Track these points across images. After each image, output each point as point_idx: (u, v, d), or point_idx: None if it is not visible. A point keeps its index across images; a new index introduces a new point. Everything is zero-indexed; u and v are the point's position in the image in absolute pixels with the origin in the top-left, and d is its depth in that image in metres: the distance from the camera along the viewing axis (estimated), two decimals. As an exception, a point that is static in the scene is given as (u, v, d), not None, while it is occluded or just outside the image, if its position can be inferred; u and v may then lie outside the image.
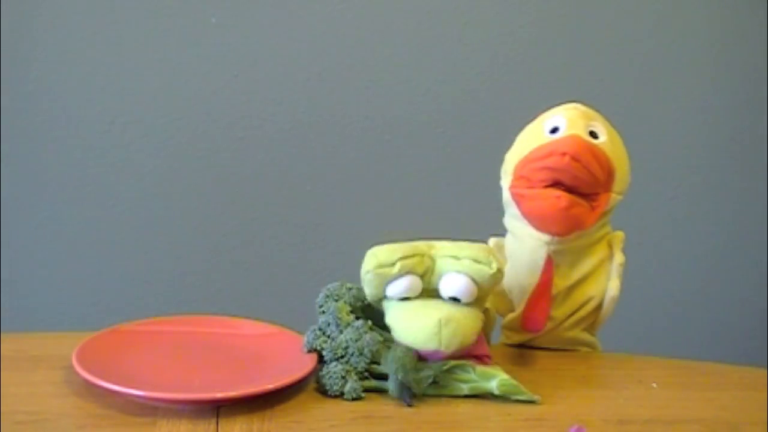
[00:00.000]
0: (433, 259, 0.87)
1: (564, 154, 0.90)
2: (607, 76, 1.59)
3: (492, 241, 1.02)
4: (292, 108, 1.55)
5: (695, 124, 1.63)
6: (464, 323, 0.85)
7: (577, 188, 0.91)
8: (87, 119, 1.53)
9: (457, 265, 0.86)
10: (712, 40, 1.60)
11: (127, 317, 0.96)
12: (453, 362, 0.86)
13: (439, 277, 0.87)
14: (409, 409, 0.83)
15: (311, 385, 0.86)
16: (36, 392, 0.83)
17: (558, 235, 0.94)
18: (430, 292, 0.88)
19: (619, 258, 0.98)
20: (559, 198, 0.90)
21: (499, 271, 0.86)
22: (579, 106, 0.98)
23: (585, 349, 1.01)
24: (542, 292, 0.95)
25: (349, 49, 1.55)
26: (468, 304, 0.87)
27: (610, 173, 0.94)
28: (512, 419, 0.82)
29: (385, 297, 0.88)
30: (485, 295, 0.89)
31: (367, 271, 0.87)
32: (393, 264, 0.86)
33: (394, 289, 0.86)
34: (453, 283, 0.86)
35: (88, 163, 1.54)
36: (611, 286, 0.97)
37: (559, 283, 0.97)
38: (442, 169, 1.58)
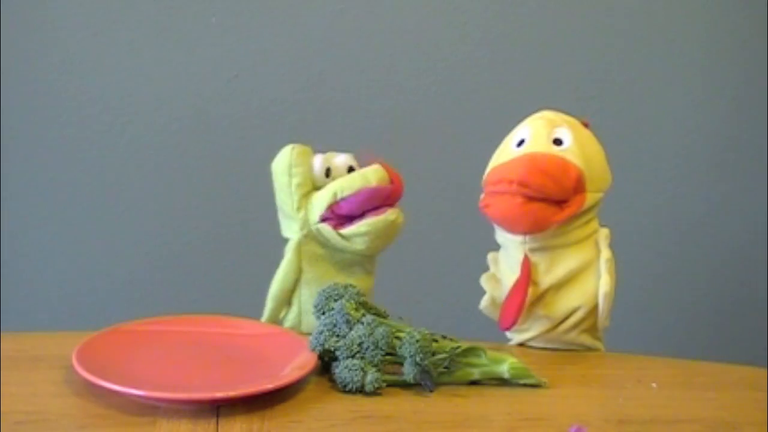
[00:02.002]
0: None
1: (511, 182, 0.93)
2: (608, 75, 1.60)
3: (490, 255, 1.04)
4: (292, 108, 1.55)
5: (695, 123, 1.62)
6: None
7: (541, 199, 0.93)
8: (87, 119, 1.53)
9: (335, 153, 1.03)
10: (712, 39, 1.60)
11: (127, 317, 0.96)
12: (466, 345, 0.88)
13: (336, 165, 1.01)
14: (409, 409, 0.83)
15: (311, 385, 0.87)
16: (36, 392, 0.83)
17: (524, 233, 0.96)
18: None
19: (606, 254, 0.97)
20: (514, 196, 0.92)
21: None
22: (547, 113, 1.00)
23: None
24: (516, 290, 0.97)
25: (349, 49, 1.55)
26: None
27: (576, 178, 0.94)
28: (512, 419, 0.82)
29: (312, 181, 0.99)
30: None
31: (295, 151, 1.01)
32: (307, 147, 1.03)
33: (319, 162, 1.00)
34: (345, 159, 1.02)
35: (89, 163, 1.54)
36: (602, 282, 0.97)
37: (543, 281, 0.97)
38: (442, 170, 1.58)
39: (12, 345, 0.92)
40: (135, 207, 1.56)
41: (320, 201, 0.98)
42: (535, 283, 0.97)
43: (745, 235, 1.66)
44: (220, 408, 0.81)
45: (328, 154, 1.02)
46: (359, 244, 0.97)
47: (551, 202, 0.94)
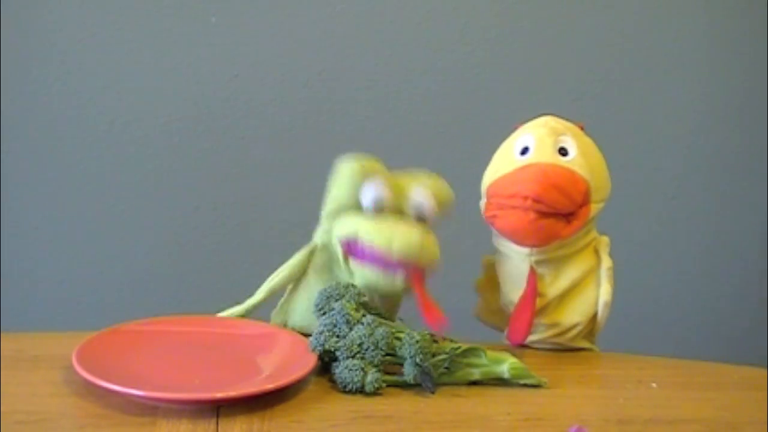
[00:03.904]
0: (398, 186, 0.95)
1: (525, 197, 0.91)
2: (608, 76, 1.60)
3: (484, 259, 1.03)
4: (292, 108, 1.55)
5: (695, 124, 1.63)
6: (433, 244, 0.94)
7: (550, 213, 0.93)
8: (87, 119, 1.53)
9: (420, 185, 0.96)
10: (712, 39, 1.60)
11: (127, 317, 0.96)
12: (465, 345, 0.88)
13: (406, 197, 0.94)
14: (409, 409, 0.83)
15: (311, 385, 0.87)
16: (36, 392, 0.83)
17: (534, 246, 0.95)
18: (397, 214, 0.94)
19: (606, 262, 0.97)
20: (526, 211, 0.91)
21: (450, 194, 0.97)
22: (549, 120, 0.98)
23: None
24: (525, 304, 0.96)
25: (349, 49, 1.55)
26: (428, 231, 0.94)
27: (584, 191, 0.94)
28: (512, 419, 0.82)
29: (356, 202, 0.93)
30: (436, 222, 0.96)
31: (350, 168, 0.94)
32: (369, 164, 0.94)
33: (370, 190, 0.93)
34: (420, 200, 0.94)
35: (88, 163, 1.54)
36: (603, 291, 0.96)
37: (548, 293, 0.97)
38: (443, 169, 1.58)
39: (12, 345, 0.92)
40: (135, 207, 1.56)
41: (345, 226, 0.94)
42: (541, 295, 0.97)
43: (745, 235, 1.66)
44: (220, 408, 0.80)
45: (402, 178, 0.96)
46: (359, 282, 0.94)
47: (561, 216, 0.93)
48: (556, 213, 0.93)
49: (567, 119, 0.99)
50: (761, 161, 1.63)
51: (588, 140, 0.98)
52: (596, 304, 0.97)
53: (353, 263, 0.94)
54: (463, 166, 1.59)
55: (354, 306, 0.89)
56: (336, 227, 0.95)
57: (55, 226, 1.56)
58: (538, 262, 0.96)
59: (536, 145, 0.95)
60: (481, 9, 1.56)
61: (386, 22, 1.55)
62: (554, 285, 0.97)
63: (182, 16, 1.52)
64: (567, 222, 0.94)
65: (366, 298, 0.92)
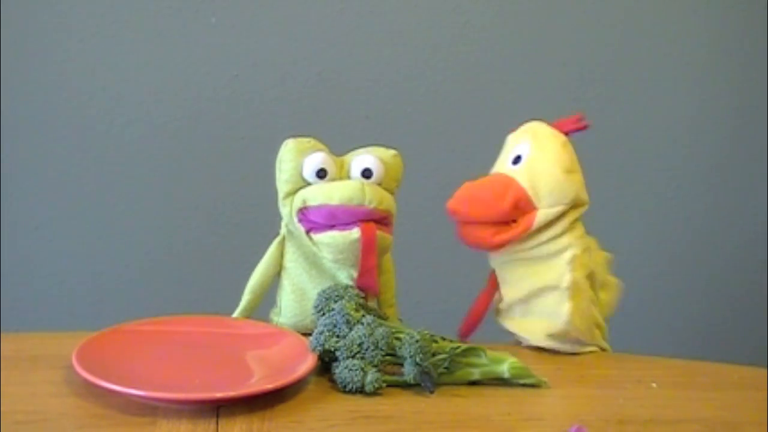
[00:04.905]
0: (343, 162, 0.98)
1: (449, 210, 0.99)
2: (608, 75, 1.60)
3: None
4: (292, 108, 1.55)
5: (695, 123, 1.63)
6: (379, 192, 0.96)
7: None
8: (87, 119, 1.53)
9: (363, 150, 0.99)
10: (712, 39, 1.60)
11: (127, 317, 0.96)
12: (465, 345, 0.89)
13: (350, 165, 0.97)
14: (409, 409, 0.83)
15: (311, 385, 0.87)
16: (36, 392, 0.83)
17: (472, 250, 1.00)
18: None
19: (567, 281, 0.97)
20: (456, 222, 0.99)
21: (398, 155, 1.00)
22: (532, 126, 1.01)
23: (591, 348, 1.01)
24: (479, 303, 1.02)
25: (349, 49, 1.55)
26: (379, 185, 0.97)
27: (514, 199, 0.96)
28: (512, 419, 0.82)
29: (302, 179, 0.96)
30: (391, 180, 0.98)
31: (287, 147, 0.98)
32: (308, 142, 0.98)
33: (311, 162, 0.96)
34: (363, 159, 0.97)
35: (88, 163, 1.54)
36: (564, 311, 0.97)
37: (511, 296, 1.00)
38: (443, 170, 1.58)
39: (12, 345, 0.92)
40: (135, 207, 1.56)
41: (296, 201, 0.97)
42: (502, 296, 1.01)
43: (745, 236, 1.66)
44: (220, 408, 0.81)
45: (347, 155, 1.00)
46: (326, 253, 0.96)
47: (491, 223, 0.97)
48: (480, 222, 0.97)
49: (565, 117, 1.00)
50: (761, 161, 1.63)
51: (552, 145, 0.97)
52: (560, 315, 0.97)
53: (314, 236, 0.96)
54: (463, 166, 1.59)
55: (354, 306, 0.90)
56: (293, 207, 0.97)
57: (55, 226, 1.56)
58: (497, 264, 1.01)
59: (500, 156, 1.01)
60: (481, 9, 1.56)
61: (386, 21, 1.55)
62: (513, 287, 1.00)
63: (182, 16, 1.52)
64: (502, 228, 0.97)
65: (361, 302, 0.92)
